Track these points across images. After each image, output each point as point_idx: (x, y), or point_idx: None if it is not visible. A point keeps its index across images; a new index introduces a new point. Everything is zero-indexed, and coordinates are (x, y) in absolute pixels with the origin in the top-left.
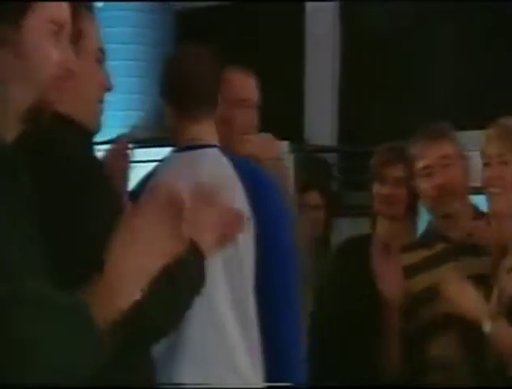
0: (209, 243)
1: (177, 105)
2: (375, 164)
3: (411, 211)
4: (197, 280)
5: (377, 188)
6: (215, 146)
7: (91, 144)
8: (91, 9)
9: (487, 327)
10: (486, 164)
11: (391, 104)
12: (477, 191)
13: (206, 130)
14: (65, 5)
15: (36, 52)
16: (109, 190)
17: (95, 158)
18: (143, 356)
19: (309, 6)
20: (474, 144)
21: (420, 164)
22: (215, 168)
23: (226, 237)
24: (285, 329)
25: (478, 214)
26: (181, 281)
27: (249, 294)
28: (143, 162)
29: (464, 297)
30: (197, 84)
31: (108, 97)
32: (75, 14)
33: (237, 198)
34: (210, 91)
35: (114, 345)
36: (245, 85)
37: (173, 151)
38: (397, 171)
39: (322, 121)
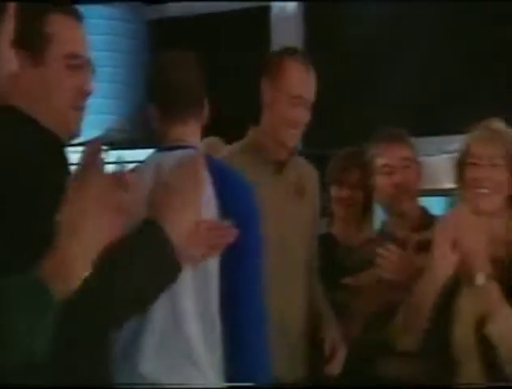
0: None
1: (164, 108)
2: (332, 169)
3: (368, 211)
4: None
5: (334, 191)
6: (193, 147)
7: (59, 151)
8: (71, 13)
9: (479, 279)
10: (473, 164)
11: (355, 108)
12: (429, 193)
13: (191, 132)
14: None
15: (2, 58)
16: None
17: (62, 164)
18: (103, 348)
19: (274, 13)
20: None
21: (380, 162)
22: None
23: (211, 249)
24: (249, 328)
25: (427, 216)
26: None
27: (213, 293)
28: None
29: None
30: (183, 87)
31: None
32: (42, 18)
33: (205, 200)
34: (195, 93)
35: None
36: (301, 82)
37: (155, 152)
38: (354, 175)
39: None
